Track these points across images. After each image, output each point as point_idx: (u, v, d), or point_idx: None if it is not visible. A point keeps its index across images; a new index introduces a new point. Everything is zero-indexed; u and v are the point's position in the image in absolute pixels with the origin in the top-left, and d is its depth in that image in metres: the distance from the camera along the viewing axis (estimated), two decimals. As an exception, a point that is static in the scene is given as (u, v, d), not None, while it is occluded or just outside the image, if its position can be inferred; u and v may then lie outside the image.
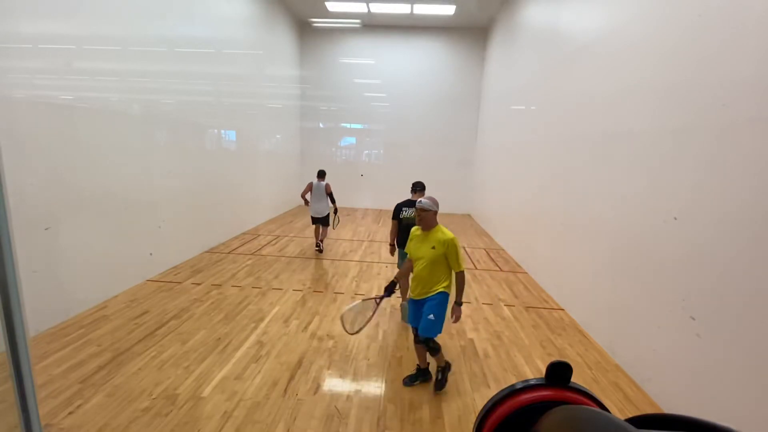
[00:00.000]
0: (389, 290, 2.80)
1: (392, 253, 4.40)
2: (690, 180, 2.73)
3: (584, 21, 4.60)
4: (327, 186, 6.44)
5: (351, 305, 2.73)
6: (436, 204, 2.76)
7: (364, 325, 2.61)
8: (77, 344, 3.33)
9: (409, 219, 4.04)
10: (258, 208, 8.77)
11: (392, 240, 4.26)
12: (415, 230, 2.90)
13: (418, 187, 4.19)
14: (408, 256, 2.92)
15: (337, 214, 6.70)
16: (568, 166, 4.83)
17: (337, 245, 7.24)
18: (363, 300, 2.74)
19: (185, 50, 5.65)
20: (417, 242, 2.84)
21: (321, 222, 6.53)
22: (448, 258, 2.74)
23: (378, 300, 2.73)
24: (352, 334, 2.57)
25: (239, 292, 4.68)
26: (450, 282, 2.82)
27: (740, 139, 2.34)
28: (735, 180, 2.36)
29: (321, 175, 6.56)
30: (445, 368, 2.97)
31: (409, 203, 4.12)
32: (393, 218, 4.20)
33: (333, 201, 6.52)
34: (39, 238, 3.45)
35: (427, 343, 2.81)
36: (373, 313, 2.67)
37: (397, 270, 5.34)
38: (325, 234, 6.78)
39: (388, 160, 11.88)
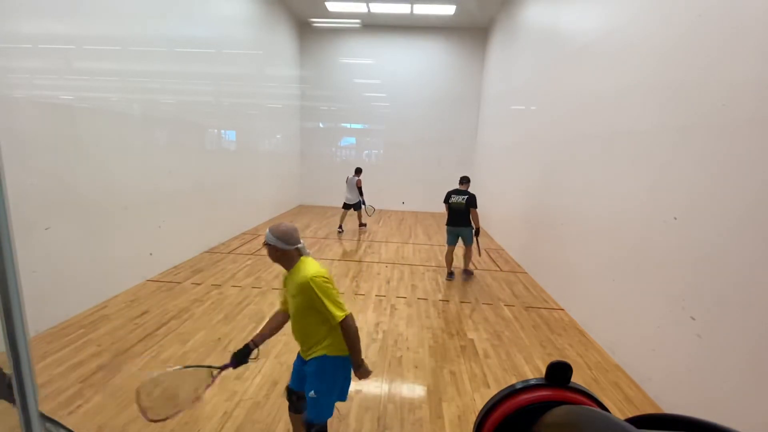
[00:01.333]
0: (239, 358, 1.88)
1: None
2: (690, 180, 2.73)
3: (584, 21, 4.60)
4: (358, 181, 8.05)
5: (163, 373, 1.74)
6: (286, 236, 1.83)
7: (177, 411, 1.63)
8: (77, 344, 3.33)
9: (456, 204, 5.30)
10: (258, 208, 8.77)
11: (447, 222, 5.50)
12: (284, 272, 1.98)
13: (465, 180, 5.47)
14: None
15: (366, 205, 8.56)
16: (568, 166, 4.83)
17: (338, 245, 7.25)
18: (186, 367, 1.82)
19: (185, 50, 5.64)
20: (287, 287, 1.94)
21: (351, 207, 8.19)
22: (317, 307, 1.80)
23: (219, 371, 1.83)
24: (153, 420, 1.56)
25: (239, 292, 4.68)
26: (334, 340, 1.88)
27: (740, 139, 2.34)
28: (735, 180, 2.36)
29: (357, 171, 8.17)
30: None
31: (457, 192, 5.36)
32: (444, 202, 5.45)
33: (361, 194, 8.13)
34: (39, 238, 3.45)
35: (308, 429, 1.93)
36: (207, 387, 1.78)
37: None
38: (359, 220, 8.68)
39: (388, 160, 11.88)
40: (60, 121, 3.66)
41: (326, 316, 1.81)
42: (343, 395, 2.01)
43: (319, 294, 1.77)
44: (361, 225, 8.71)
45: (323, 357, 1.89)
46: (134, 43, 4.57)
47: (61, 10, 3.66)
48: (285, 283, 1.97)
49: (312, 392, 1.88)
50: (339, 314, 1.78)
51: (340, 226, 8.25)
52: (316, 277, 1.78)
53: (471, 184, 5.64)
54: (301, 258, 1.91)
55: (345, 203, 8.18)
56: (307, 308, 1.84)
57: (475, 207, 5.24)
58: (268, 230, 1.87)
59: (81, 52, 3.91)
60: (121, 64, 4.38)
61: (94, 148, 4.05)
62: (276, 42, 9.54)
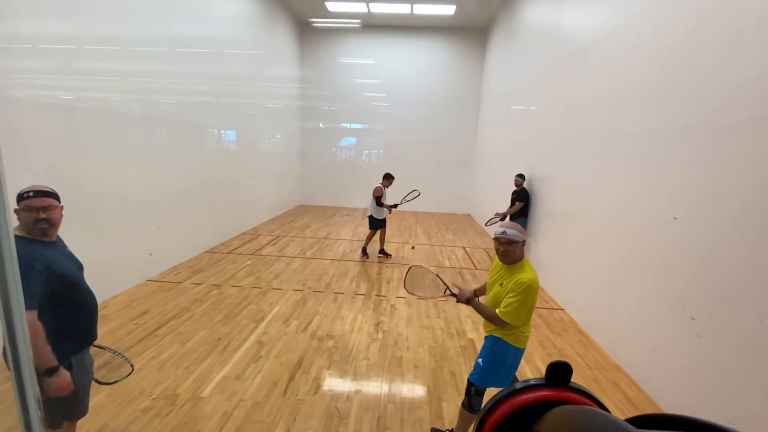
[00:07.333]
0: (466, 299, 2.30)
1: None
2: (690, 180, 2.73)
3: (584, 21, 4.60)
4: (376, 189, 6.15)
5: (422, 271, 2.58)
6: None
7: (420, 296, 2.56)
8: (77, 344, 3.33)
9: None
10: (258, 208, 8.77)
11: None
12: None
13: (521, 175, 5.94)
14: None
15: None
16: (567, 166, 4.83)
17: (338, 245, 7.24)
18: (437, 276, 2.57)
19: (185, 50, 5.64)
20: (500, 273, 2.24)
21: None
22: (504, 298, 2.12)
23: (450, 294, 2.41)
24: (410, 292, 2.53)
25: (239, 292, 4.68)
26: (509, 330, 2.14)
27: (740, 139, 2.34)
28: (735, 180, 2.36)
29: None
30: None
31: None
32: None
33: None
34: (39, 238, 3.44)
35: (468, 387, 2.28)
36: (433, 296, 2.51)
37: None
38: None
39: (388, 160, 11.87)
40: (60, 121, 3.66)
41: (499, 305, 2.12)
42: (501, 381, 2.24)
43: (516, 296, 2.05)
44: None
45: (493, 336, 2.22)
46: (134, 43, 4.57)
47: (61, 10, 3.66)
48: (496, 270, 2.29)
49: (480, 360, 2.26)
50: (505, 315, 2.07)
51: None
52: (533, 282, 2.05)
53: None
54: (525, 258, 2.19)
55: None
56: (502, 297, 2.12)
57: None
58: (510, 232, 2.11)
59: (81, 52, 3.90)
60: (121, 64, 4.38)
61: (94, 148, 4.05)
62: (276, 42, 9.54)
